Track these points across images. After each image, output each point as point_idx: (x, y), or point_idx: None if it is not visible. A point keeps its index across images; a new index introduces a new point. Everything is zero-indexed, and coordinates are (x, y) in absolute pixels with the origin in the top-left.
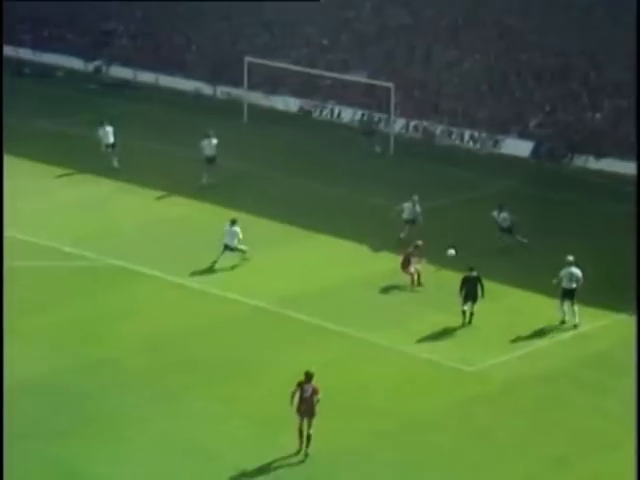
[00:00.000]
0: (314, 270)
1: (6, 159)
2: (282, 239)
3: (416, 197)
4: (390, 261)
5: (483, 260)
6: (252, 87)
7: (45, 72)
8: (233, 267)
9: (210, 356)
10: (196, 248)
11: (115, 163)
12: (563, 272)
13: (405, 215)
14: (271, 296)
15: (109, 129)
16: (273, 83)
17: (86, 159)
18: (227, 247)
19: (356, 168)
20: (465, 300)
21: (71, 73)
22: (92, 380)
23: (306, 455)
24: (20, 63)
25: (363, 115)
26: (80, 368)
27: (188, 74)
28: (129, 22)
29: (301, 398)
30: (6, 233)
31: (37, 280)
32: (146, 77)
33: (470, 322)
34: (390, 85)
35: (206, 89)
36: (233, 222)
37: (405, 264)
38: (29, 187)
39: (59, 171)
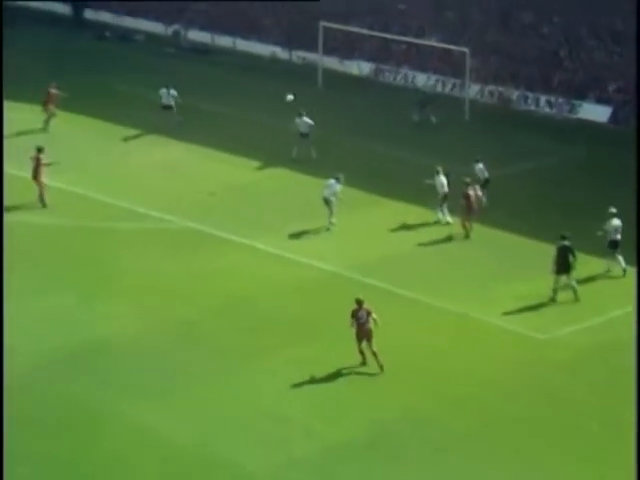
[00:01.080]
0: (386, 236)
1: (85, 120)
2: (356, 205)
3: (439, 168)
4: (458, 227)
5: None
6: (327, 52)
7: (125, 36)
8: (308, 232)
9: (284, 319)
10: (274, 214)
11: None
12: (608, 224)
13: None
14: (345, 261)
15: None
16: (348, 48)
17: (166, 124)
18: (326, 200)
19: (429, 134)
20: (558, 272)
21: (151, 37)
22: (170, 341)
23: (381, 368)
24: (101, 26)
25: (418, 90)
26: (160, 329)
27: (264, 38)
28: None
29: (358, 325)
30: (88, 194)
31: (118, 242)
32: (223, 41)
33: (576, 297)
34: (465, 50)
35: (282, 53)
36: (336, 178)
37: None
38: (108, 149)
39: (135, 133)
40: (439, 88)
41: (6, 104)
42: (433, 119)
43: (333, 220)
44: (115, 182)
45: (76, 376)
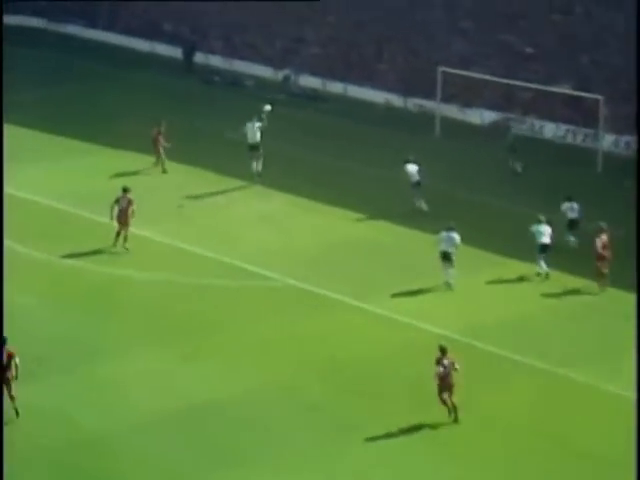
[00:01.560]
0: (505, 297)
1: (187, 168)
2: (470, 263)
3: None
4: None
5: None
6: (445, 99)
7: (235, 80)
8: (418, 291)
9: (392, 386)
10: (382, 271)
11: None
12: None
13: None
14: (458, 324)
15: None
16: (468, 95)
17: (269, 171)
18: (446, 255)
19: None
20: None
21: (261, 82)
22: (273, 406)
23: (456, 420)
24: (211, 70)
25: (507, 129)
26: (261, 393)
27: (378, 84)
28: (320, 28)
29: (440, 374)
30: (187, 247)
31: (218, 300)
32: (334, 87)
33: None
34: (599, 97)
35: (397, 101)
36: (450, 228)
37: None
38: (209, 199)
39: (236, 184)
40: (569, 139)
41: (113, 152)
42: (518, 168)
43: (452, 275)
44: (216, 235)
45: (171, 440)
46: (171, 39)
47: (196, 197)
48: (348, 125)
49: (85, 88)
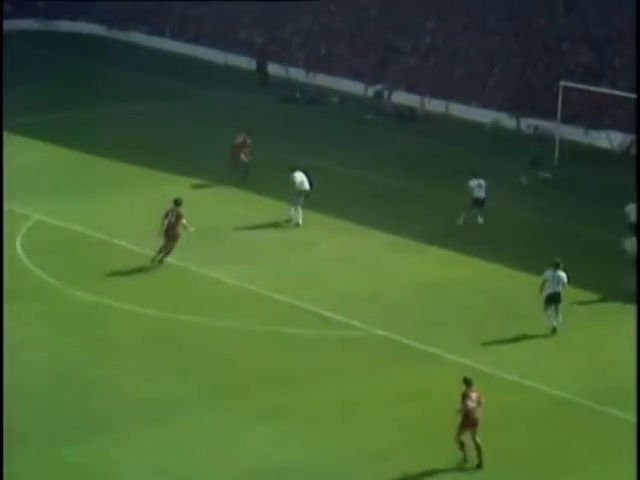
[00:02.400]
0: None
1: (260, 201)
2: (589, 309)
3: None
4: None
5: None
6: (567, 119)
7: (318, 97)
8: (527, 343)
9: (500, 458)
10: (481, 318)
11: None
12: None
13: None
14: (579, 385)
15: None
16: (595, 115)
17: (351, 205)
18: (553, 298)
19: None
20: None
21: (347, 99)
22: (350, 476)
23: (480, 464)
24: (291, 86)
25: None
26: (346, 460)
27: (486, 102)
28: (420, 36)
29: (466, 410)
30: (258, 289)
31: (294, 351)
32: (434, 105)
33: None
34: None
35: (507, 121)
36: (557, 265)
37: None
38: (285, 236)
39: (320, 218)
40: None
41: (172, 177)
42: (523, 180)
43: (561, 320)
44: (289, 276)
45: None
46: (247, 49)
47: (273, 234)
48: (448, 149)
49: (150, 107)
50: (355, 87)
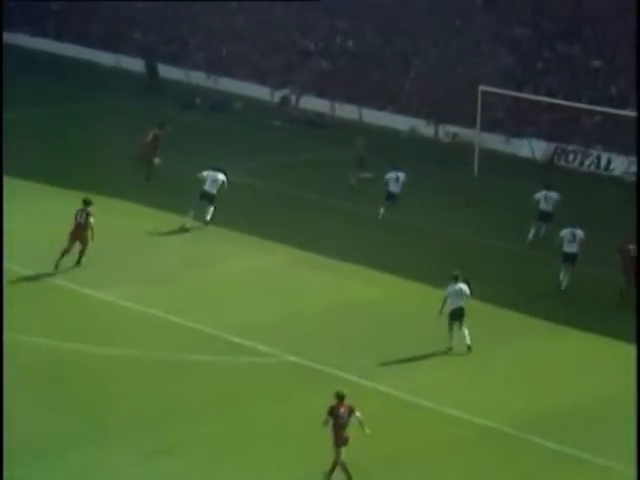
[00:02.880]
0: (566, 379)
1: (164, 217)
2: (518, 332)
3: None
4: None
5: None
6: (487, 127)
7: (221, 103)
8: (453, 370)
9: None
10: (400, 342)
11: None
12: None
13: None
14: (504, 413)
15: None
16: (517, 122)
17: (258, 219)
18: (458, 313)
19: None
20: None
21: (253, 104)
22: None
23: None
24: (191, 91)
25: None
26: None
27: (402, 108)
28: (330, 37)
29: (336, 426)
30: (161, 314)
31: (196, 379)
32: (346, 111)
33: None
34: None
35: (425, 128)
36: (456, 278)
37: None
38: (191, 254)
39: (225, 233)
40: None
41: (53, 189)
42: (353, 180)
43: (467, 335)
44: (191, 297)
45: None
46: (141, 50)
47: (176, 252)
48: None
49: (34, 113)
50: (260, 92)
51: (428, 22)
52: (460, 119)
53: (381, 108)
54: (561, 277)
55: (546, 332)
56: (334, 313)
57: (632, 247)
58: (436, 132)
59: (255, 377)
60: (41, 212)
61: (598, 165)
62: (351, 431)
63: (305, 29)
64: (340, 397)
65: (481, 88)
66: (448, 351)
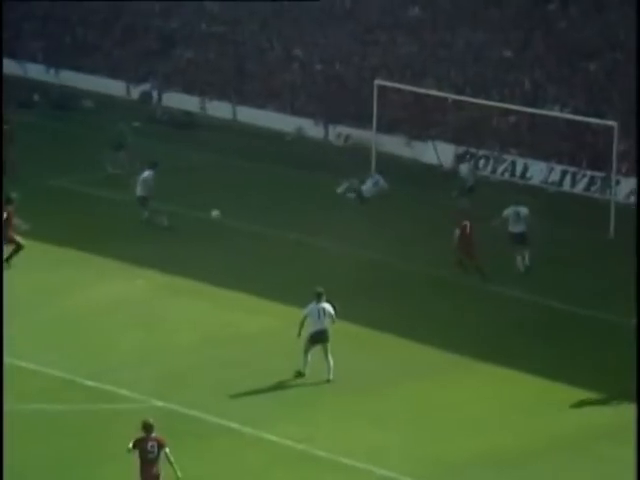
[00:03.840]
0: (475, 420)
1: None
2: (427, 369)
3: None
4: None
5: None
6: (385, 128)
7: (65, 101)
8: (342, 413)
9: None
10: (287, 381)
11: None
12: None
13: None
14: (407, 461)
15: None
16: (419, 122)
17: (119, 237)
18: (319, 336)
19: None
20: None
21: (105, 102)
22: None
23: None
24: (28, 86)
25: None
26: None
27: (285, 106)
28: (196, 21)
29: (144, 461)
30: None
31: (43, 431)
32: (219, 109)
33: None
34: (613, 124)
35: (313, 129)
36: (319, 296)
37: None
38: (30, 282)
39: (79, 256)
40: (566, 185)
41: None
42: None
43: (331, 364)
44: (38, 333)
45: None
46: None
47: (15, 280)
48: (236, 164)
49: None
50: (115, 87)
51: (314, 5)
52: (354, 118)
53: (261, 106)
54: (517, 262)
55: (451, 366)
56: (208, 348)
57: (468, 224)
58: (326, 134)
59: (115, 428)
60: None
61: (513, 172)
62: (162, 469)
63: (165, 12)
64: (147, 428)
65: (377, 82)
66: (299, 376)
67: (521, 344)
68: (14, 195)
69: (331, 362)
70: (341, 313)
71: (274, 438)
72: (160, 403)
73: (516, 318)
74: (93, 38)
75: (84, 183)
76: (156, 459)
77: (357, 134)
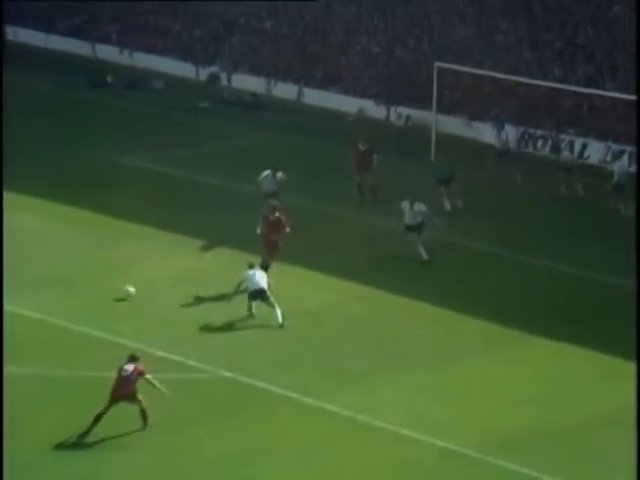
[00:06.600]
0: (535, 395)
1: (76, 214)
2: (488, 345)
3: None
4: None
5: None
6: (445, 109)
7: (137, 82)
8: (401, 385)
9: None
10: (351, 355)
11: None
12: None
13: None
14: (467, 435)
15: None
16: (479, 103)
17: (185, 216)
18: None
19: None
20: None
21: (176, 84)
22: None
23: (145, 425)
24: (101, 68)
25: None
26: None
27: (348, 88)
28: (262, 5)
29: (119, 379)
30: (71, 325)
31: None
32: (284, 91)
33: None
34: None
35: (375, 110)
36: (251, 266)
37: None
38: (108, 255)
39: (146, 231)
40: (625, 166)
41: None
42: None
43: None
44: (107, 305)
45: None
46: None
47: (92, 254)
48: (302, 144)
49: None
50: (184, 69)
51: None
52: (414, 100)
53: (323, 87)
54: (418, 249)
55: (512, 342)
56: (272, 321)
57: (272, 216)
58: (388, 115)
59: (184, 397)
60: None
61: (570, 150)
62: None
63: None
64: (132, 358)
65: (437, 64)
66: (250, 317)
67: (585, 322)
68: (275, 202)
69: (278, 311)
70: (404, 289)
71: (335, 409)
72: (227, 373)
73: (584, 296)
74: (164, 22)
75: (154, 161)
76: (130, 381)
77: (418, 115)
